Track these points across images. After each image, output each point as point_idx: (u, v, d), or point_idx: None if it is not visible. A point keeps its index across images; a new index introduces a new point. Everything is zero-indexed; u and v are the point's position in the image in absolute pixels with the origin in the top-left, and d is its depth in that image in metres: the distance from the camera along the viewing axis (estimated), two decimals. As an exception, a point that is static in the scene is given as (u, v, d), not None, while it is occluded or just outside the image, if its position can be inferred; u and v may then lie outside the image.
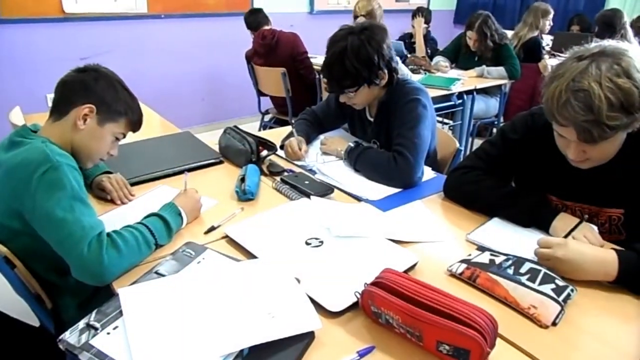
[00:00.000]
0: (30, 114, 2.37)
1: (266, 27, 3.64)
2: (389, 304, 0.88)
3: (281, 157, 1.84)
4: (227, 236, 1.26)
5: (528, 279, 1.03)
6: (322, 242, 1.20)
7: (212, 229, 1.31)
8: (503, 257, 1.11)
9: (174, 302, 0.95)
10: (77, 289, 1.26)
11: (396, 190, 1.56)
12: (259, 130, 4.14)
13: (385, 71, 1.66)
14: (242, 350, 0.85)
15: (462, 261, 1.12)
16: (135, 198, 1.50)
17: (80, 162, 1.29)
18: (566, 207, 1.36)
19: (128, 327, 0.89)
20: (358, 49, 1.59)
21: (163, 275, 1.05)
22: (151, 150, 1.81)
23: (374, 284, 0.93)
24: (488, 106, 3.79)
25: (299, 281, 1.03)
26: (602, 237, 1.23)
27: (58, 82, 1.29)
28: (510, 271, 1.06)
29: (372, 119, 1.85)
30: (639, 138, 1.15)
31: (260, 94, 3.92)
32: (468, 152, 3.80)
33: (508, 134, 1.43)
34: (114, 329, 0.90)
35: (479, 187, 1.43)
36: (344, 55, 1.59)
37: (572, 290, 1.01)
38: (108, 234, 1.10)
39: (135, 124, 1.36)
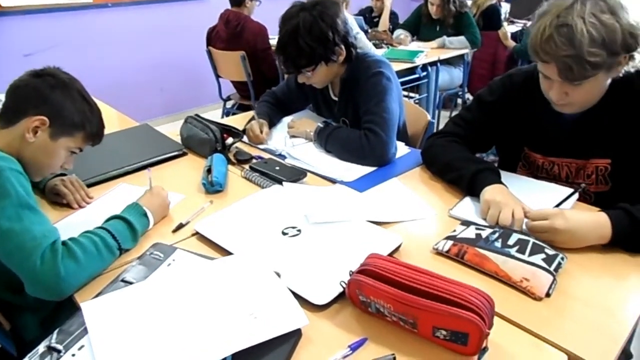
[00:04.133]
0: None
1: (235, 9, 3.41)
2: (378, 292, 0.83)
3: (248, 144, 1.75)
4: (197, 233, 1.18)
5: (517, 251, 0.99)
6: (299, 230, 1.13)
7: (180, 226, 1.22)
8: (489, 230, 1.07)
9: (144, 312, 0.86)
10: (36, 306, 1.16)
11: (371, 169, 1.50)
12: (222, 117, 4.01)
13: (342, 47, 1.58)
14: (224, 359, 0.78)
15: (448, 238, 1.08)
16: (94, 200, 1.39)
17: (29, 175, 1.17)
18: (552, 164, 1.34)
19: (94, 345, 0.80)
20: (310, 26, 1.51)
21: (130, 283, 0.96)
22: (108, 147, 1.65)
23: (360, 271, 0.87)
24: (452, 77, 3.77)
25: (279, 275, 0.96)
26: (589, 189, 1.27)
27: (10, 85, 1.15)
28: (498, 244, 1.02)
29: (336, 98, 1.78)
30: (623, 85, 1.14)
31: (219, 79, 3.77)
32: (440, 125, 3.79)
33: (484, 97, 1.42)
34: (80, 349, 0.82)
35: (442, 150, 1.42)
36: (297, 34, 1.50)
37: (562, 259, 0.98)
38: (64, 242, 1.00)
39: (94, 137, 1.23)
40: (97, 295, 0.94)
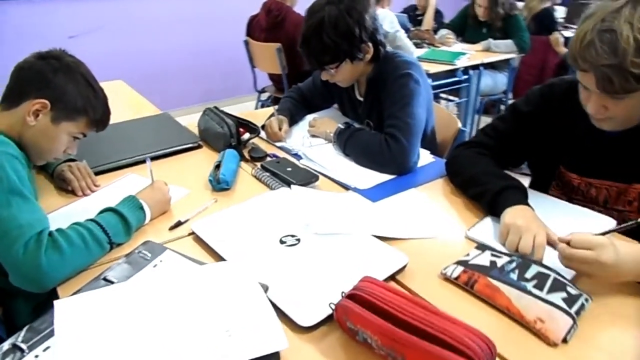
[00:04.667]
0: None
1: None
2: (366, 322, 0.74)
3: (266, 141, 1.68)
4: (194, 232, 1.12)
5: (535, 286, 0.88)
6: (298, 240, 1.06)
7: (178, 224, 1.16)
8: (506, 259, 0.96)
9: (117, 317, 0.81)
10: (29, 292, 1.13)
11: (389, 177, 1.40)
12: (256, 109, 3.98)
13: (369, 44, 1.49)
14: (189, 380, 0.71)
15: (459, 263, 0.97)
16: (99, 189, 1.36)
17: (30, 158, 1.15)
18: (590, 186, 1.21)
19: (57, 349, 0.75)
20: (336, 21, 1.41)
21: (111, 282, 0.92)
22: (123, 135, 1.66)
23: (349, 296, 0.79)
24: (496, 82, 3.59)
25: (266, 289, 0.88)
26: (630, 217, 1.12)
27: (15, 66, 1.14)
28: (514, 276, 0.91)
29: (361, 98, 1.68)
30: None
31: (255, 70, 3.73)
32: (474, 132, 3.63)
33: (520, 107, 1.29)
34: (44, 350, 0.77)
35: (467, 162, 1.31)
36: (321, 28, 1.42)
37: (586, 300, 0.86)
38: (50, 233, 0.96)
39: (97, 123, 1.20)
40: (75, 293, 0.90)
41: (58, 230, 0.98)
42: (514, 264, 0.94)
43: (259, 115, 1.78)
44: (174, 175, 1.43)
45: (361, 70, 1.57)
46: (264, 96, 3.93)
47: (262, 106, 3.88)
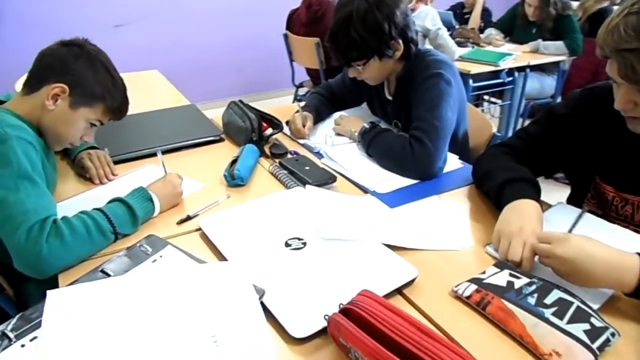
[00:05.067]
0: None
1: None
2: (357, 341, 0.68)
3: (290, 138, 1.64)
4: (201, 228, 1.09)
5: (554, 314, 0.79)
6: (304, 243, 1.01)
7: (187, 218, 1.14)
8: (525, 280, 0.88)
9: (106, 313, 0.79)
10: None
11: (411, 181, 1.33)
12: (293, 103, 3.95)
13: (400, 41, 1.41)
14: (166, 386, 0.68)
15: (473, 280, 0.90)
16: (117, 178, 1.35)
17: (48, 144, 1.17)
18: (626, 202, 1.11)
19: (42, 341, 0.74)
20: (365, 15, 1.35)
21: (108, 275, 0.90)
22: (146, 125, 1.66)
23: (343, 310, 0.73)
24: (543, 85, 3.40)
25: (262, 293, 0.84)
26: None
27: (38, 53, 1.16)
28: (532, 300, 0.83)
29: (390, 98, 1.61)
30: None
31: (293, 64, 3.71)
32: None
33: (556, 109, 1.21)
34: (31, 340, 0.76)
35: (486, 160, 1.25)
36: (349, 23, 1.35)
37: (612, 334, 0.77)
38: (55, 221, 0.95)
39: (114, 111, 1.20)
40: (72, 283, 0.89)
41: (63, 218, 0.97)
42: (533, 287, 0.86)
43: (289, 110, 1.73)
44: (191, 167, 1.41)
45: (390, 68, 1.50)
46: (302, 91, 3.90)
47: (300, 101, 3.85)
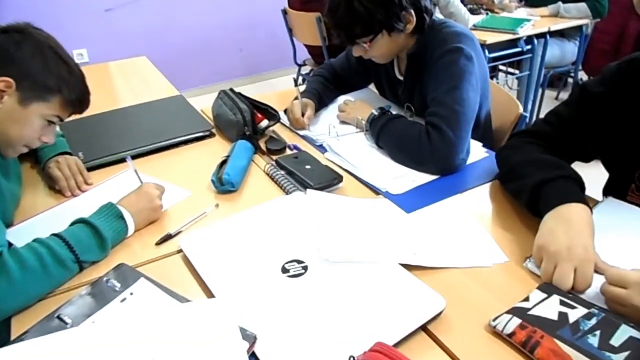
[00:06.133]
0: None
1: None
2: None
3: (289, 129, 1.45)
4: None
5: (626, 361, 0.62)
6: (305, 267, 0.84)
7: (167, 237, 0.97)
8: (582, 311, 0.70)
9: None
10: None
11: (430, 177, 1.14)
12: (295, 85, 3.75)
13: (412, 12, 1.21)
14: None
15: (515, 312, 0.72)
16: (92, 187, 1.19)
17: (0, 150, 0.99)
18: None
19: None
20: None
21: (65, 324, 0.73)
22: (126, 122, 1.48)
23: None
24: (564, 52, 3.14)
25: (253, 340, 0.68)
26: None
27: None
28: (594, 340, 0.65)
29: (402, 78, 1.41)
30: None
31: (294, 42, 3.48)
32: (536, 109, 3.23)
33: (591, 87, 1.01)
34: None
35: (512, 152, 1.06)
36: None
37: None
38: (1, 254, 0.79)
39: (74, 104, 1.02)
40: (23, 334, 0.73)
41: (11, 250, 0.81)
42: (593, 321, 0.68)
43: (288, 96, 1.53)
44: (176, 171, 1.24)
45: (401, 44, 1.30)
46: (305, 70, 3.68)
47: (304, 81, 3.65)
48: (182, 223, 1.01)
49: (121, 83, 2.00)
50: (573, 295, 0.74)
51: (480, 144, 1.28)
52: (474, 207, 1.03)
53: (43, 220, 1.06)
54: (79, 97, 1.03)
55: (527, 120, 3.04)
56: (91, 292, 0.79)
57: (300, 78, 3.72)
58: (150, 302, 0.77)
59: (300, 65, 3.62)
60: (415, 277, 0.80)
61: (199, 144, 1.39)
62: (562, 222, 0.81)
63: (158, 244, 0.96)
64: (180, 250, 0.93)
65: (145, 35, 3.80)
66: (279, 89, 1.50)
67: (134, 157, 1.30)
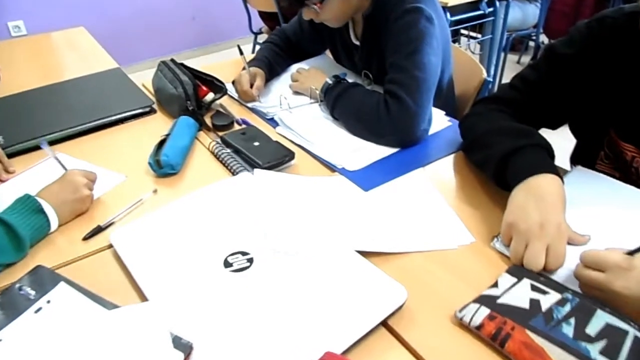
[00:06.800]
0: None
1: None
2: None
3: (238, 102, 1.34)
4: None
5: (603, 352, 0.56)
6: (250, 260, 0.74)
7: (97, 231, 0.86)
8: (556, 296, 0.64)
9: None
10: None
11: (390, 151, 1.06)
12: (240, 53, 3.57)
13: None
14: None
15: (483, 300, 0.65)
16: (15, 176, 1.05)
17: None
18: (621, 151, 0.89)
19: None
20: None
21: (-35, 342, 0.62)
22: (56, 101, 1.32)
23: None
24: (526, 15, 3.09)
25: (189, 350, 0.59)
26: None
27: None
28: (569, 329, 0.59)
29: (358, 42, 1.31)
30: None
31: (249, 8, 3.30)
32: (499, 73, 3.18)
33: (558, 48, 0.94)
34: None
35: (477, 120, 1.00)
36: None
37: (691, 380, 0.54)
38: None
39: None
40: None
41: None
42: (567, 307, 0.62)
43: (238, 66, 1.41)
44: (111, 153, 1.12)
45: (355, 5, 1.19)
46: (262, 38, 3.51)
47: (261, 50, 3.48)
48: (114, 213, 0.89)
49: (53, 57, 1.82)
50: (545, 277, 0.68)
51: (443, 113, 1.20)
52: (437, 181, 0.96)
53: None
54: None
55: (491, 86, 2.99)
56: (1, 302, 0.68)
57: (257, 48, 3.55)
58: (70, 310, 0.67)
59: (256, 34, 3.45)
60: (374, 266, 0.72)
61: (138, 122, 1.26)
62: (532, 196, 0.74)
63: (86, 238, 0.84)
64: (111, 246, 0.82)
65: (89, 4, 3.53)
66: (233, 59, 1.36)
67: (63, 140, 1.17)
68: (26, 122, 1.21)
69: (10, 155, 1.09)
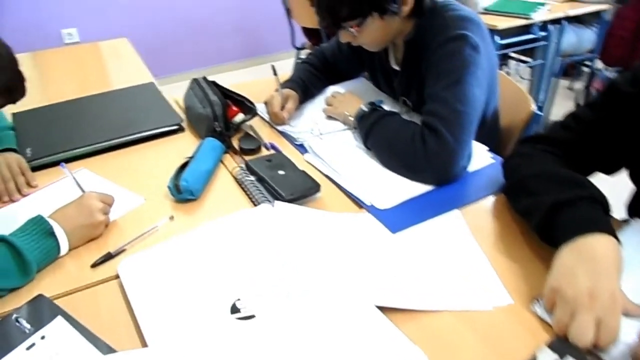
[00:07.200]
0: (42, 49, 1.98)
1: None
2: None
3: (269, 124, 1.29)
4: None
5: None
6: (259, 307, 0.68)
7: (107, 257, 0.82)
8: (606, 385, 0.54)
9: None
10: None
11: (424, 188, 0.98)
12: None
13: None
14: None
15: (518, 381, 0.56)
16: (36, 191, 1.03)
17: None
18: None
19: None
20: None
21: (-49, 379, 0.59)
22: (85, 114, 1.32)
23: None
24: (581, 39, 2.93)
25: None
26: None
27: None
28: None
29: (397, 68, 1.24)
30: None
31: (292, 24, 3.29)
32: (547, 103, 3.02)
33: (620, 85, 0.83)
34: None
35: (522, 162, 0.89)
36: None
37: None
38: None
39: (1, 92, 0.86)
40: None
41: None
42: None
43: (271, 86, 1.36)
44: (134, 172, 1.09)
45: (396, 30, 1.12)
46: (305, 54, 3.49)
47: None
48: (127, 239, 0.85)
49: (95, 68, 1.84)
50: (594, 356, 0.58)
51: (485, 148, 1.11)
52: (474, 226, 0.87)
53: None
54: (7, 86, 0.86)
55: (542, 113, 2.85)
56: (-6, 335, 0.65)
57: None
58: (63, 350, 0.62)
59: (298, 49, 3.43)
60: (393, 324, 0.64)
61: (165, 140, 1.23)
62: (583, 260, 0.65)
63: (94, 265, 0.81)
64: (118, 276, 0.78)
65: (136, 14, 3.61)
66: (270, 77, 1.31)
67: (88, 155, 1.15)
68: (56, 135, 1.20)
69: (35, 169, 1.08)
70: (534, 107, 1.27)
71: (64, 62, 1.86)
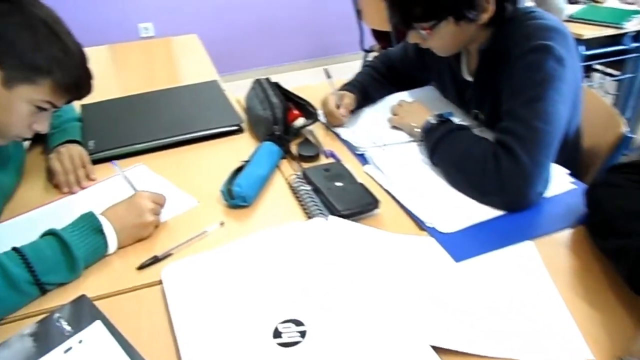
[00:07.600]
0: (119, 42, 2.04)
1: None
2: None
3: (331, 132, 1.23)
4: (167, 281, 0.75)
5: None
6: (303, 333, 0.63)
7: (153, 261, 0.80)
8: None
9: None
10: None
11: (494, 213, 0.89)
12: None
13: None
14: None
15: None
16: (94, 184, 1.04)
17: None
18: None
19: None
20: None
21: (-11, 377, 0.58)
22: (148, 109, 1.32)
23: None
24: (679, 52, 2.66)
25: None
26: None
27: None
28: None
29: (470, 78, 1.14)
30: None
31: (362, 25, 3.23)
32: (634, 122, 2.76)
33: None
34: None
35: (613, 194, 0.78)
36: None
37: None
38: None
39: (69, 89, 0.86)
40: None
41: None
42: None
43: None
44: (190, 171, 1.07)
45: (470, 37, 1.03)
46: (372, 56, 3.41)
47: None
48: (176, 242, 0.83)
49: (164, 63, 1.87)
50: None
51: (566, 171, 1.00)
52: (549, 262, 0.77)
53: (30, 220, 0.93)
54: (75, 81, 0.86)
55: (634, 136, 2.61)
56: (35, 333, 0.64)
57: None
58: (99, 358, 0.60)
59: (367, 52, 3.36)
60: (451, 371, 0.57)
61: (224, 140, 1.21)
62: None
63: (141, 268, 0.79)
64: (161, 281, 0.76)
65: (208, 12, 3.68)
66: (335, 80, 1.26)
67: (148, 151, 1.15)
68: (119, 129, 1.21)
69: (95, 162, 1.09)
70: (624, 128, 1.13)
71: (138, 55, 1.91)
